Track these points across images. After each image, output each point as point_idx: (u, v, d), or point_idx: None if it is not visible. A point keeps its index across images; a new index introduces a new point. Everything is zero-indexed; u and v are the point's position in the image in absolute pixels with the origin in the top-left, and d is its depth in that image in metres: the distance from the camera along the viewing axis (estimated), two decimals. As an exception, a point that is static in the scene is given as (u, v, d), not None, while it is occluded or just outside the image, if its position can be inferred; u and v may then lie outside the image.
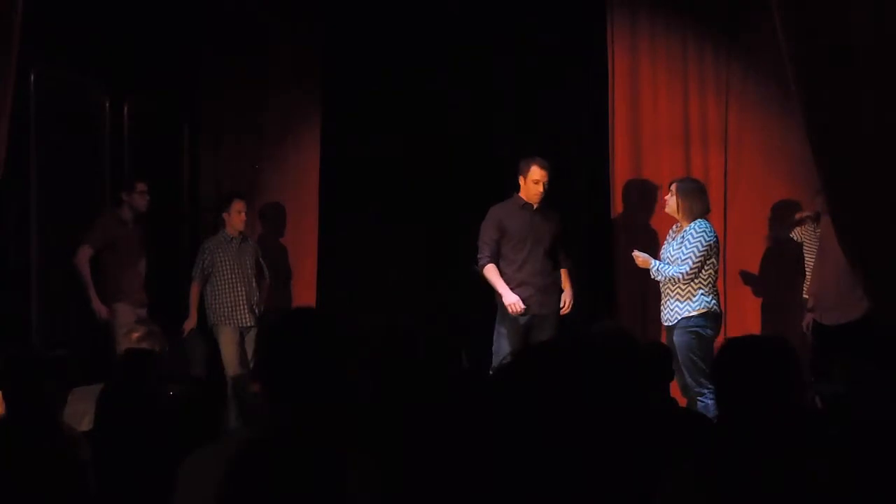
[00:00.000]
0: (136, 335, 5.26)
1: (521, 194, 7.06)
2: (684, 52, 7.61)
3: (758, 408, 2.81)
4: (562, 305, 7.15)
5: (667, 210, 6.70)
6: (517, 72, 8.05)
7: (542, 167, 7.00)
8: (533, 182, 6.99)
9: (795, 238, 7.21)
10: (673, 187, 6.67)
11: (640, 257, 6.74)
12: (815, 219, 7.05)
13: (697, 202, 6.61)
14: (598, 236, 7.86)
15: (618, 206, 7.73)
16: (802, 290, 7.15)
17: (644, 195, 7.65)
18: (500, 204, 7.13)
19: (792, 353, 2.92)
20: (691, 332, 6.48)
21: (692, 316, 6.48)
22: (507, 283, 6.99)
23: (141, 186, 7.50)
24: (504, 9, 7.91)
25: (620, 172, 7.69)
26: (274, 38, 8.24)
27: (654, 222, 7.56)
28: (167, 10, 7.90)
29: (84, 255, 7.22)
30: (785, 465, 2.62)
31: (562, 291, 7.19)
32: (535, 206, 7.06)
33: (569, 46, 7.92)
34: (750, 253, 7.51)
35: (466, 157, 8.08)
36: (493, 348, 7.00)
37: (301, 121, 8.30)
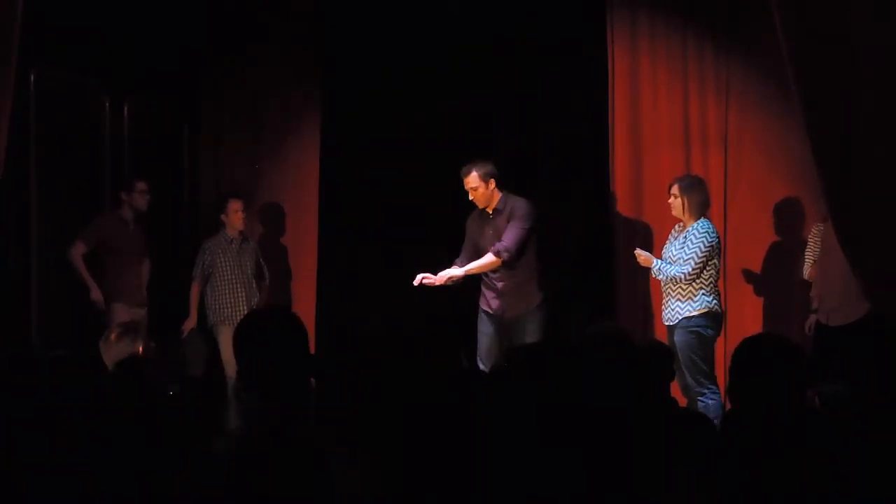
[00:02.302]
0: (113, 335, 5.18)
1: None
2: (684, 52, 7.60)
3: (772, 405, 2.83)
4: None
5: (674, 213, 6.70)
6: (517, 72, 8.05)
7: (461, 176, 7.03)
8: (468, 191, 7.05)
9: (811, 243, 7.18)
10: (675, 188, 6.67)
11: (641, 256, 6.74)
12: (824, 220, 7.02)
13: (699, 195, 6.63)
14: (598, 236, 7.85)
15: (618, 206, 7.71)
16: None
17: (644, 195, 7.63)
18: (472, 213, 7.22)
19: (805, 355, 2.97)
20: (692, 331, 6.48)
21: (693, 315, 6.49)
22: (487, 289, 7.11)
23: (141, 186, 7.50)
24: (504, 9, 7.91)
25: (620, 172, 7.68)
26: (274, 39, 8.24)
27: (654, 222, 7.54)
28: (167, 10, 7.90)
29: (77, 250, 7.22)
30: (786, 466, 2.62)
31: (539, 293, 7.08)
32: (489, 212, 7.06)
33: (569, 46, 7.91)
34: (750, 253, 7.50)
35: (466, 157, 8.07)
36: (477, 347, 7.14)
37: (301, 121, 8.30)
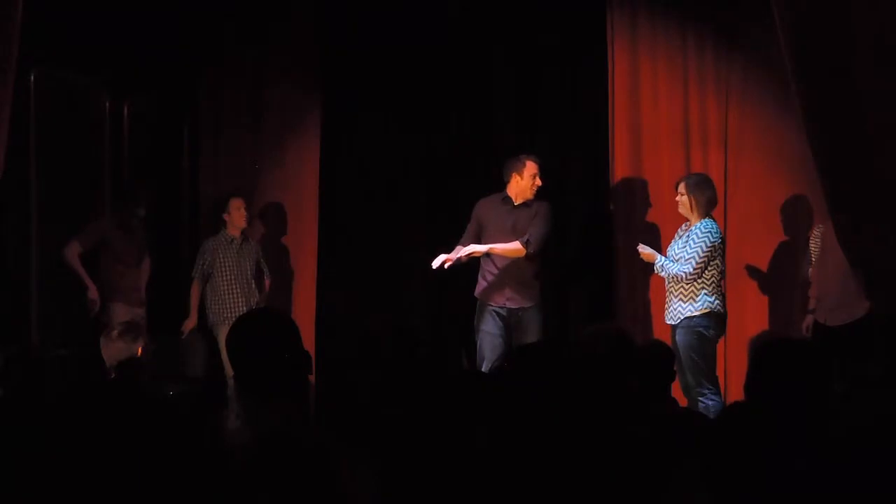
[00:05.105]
0: (114, 332, 5.17)
1: (509, 191, 7.10)
2: (684, 52, 7.60)
3: (789, 407, 2.84)
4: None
5: (680, 210, 6.69)
6: (517, 71, 8.05)
7: (536, 162, 7.06)
8: (530, 176, 7.02)
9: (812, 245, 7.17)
10: (682, 187, 6.66)
11: (645, 252, 6.74)
12: (825, 220, 7.01)
13: (706, 194, 6.62)
14: (598, 236, 7.85)
15: (618, 206, 7.72)
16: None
17: (644, 195, 7.64)
18: (484, 199, 7.20)
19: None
20: (694, 331, 6.48)
21: (695, 316, 6.48)
22: (486, 275, 7.07)
23: (139, 195, 7.53)
24: (504, 9, 7.91)
25: (620, 172, 7.68)
26: (273, 38, 8.24)
27: (654, 222, 7.55)
28: (167, 10, 7.90)
29: (72, 250, 7.21)
30: (786, 466, 2.63)
31: (540, 292, 7.11)
32: (516, 201, 7.07)
33: (569, 46, 7.92)
34: (749, 253, 7.50)
35: (466, 157, 8.09)
36: (477, 347, 7.09)
37: (301, 120, 8.29)
